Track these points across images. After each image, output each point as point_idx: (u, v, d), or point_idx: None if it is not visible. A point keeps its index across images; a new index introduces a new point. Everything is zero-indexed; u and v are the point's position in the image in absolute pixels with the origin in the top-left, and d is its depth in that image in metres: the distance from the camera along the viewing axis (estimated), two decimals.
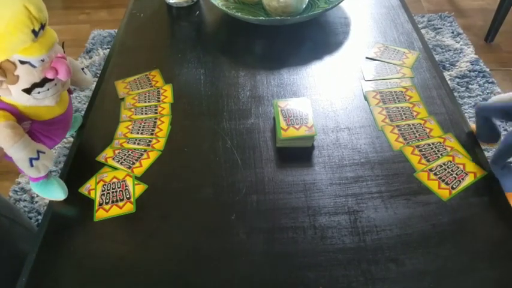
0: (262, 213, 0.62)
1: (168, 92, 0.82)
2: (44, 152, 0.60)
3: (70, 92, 0.71)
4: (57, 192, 0.65)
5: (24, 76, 0.55)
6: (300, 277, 0.56)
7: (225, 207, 0.64)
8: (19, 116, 0.59)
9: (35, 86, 0.56)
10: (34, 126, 0.62)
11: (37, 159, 0.59)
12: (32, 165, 0.58)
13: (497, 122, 0.68)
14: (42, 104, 0.60)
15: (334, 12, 1.00)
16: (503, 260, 0.56)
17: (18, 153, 0.57)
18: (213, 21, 1.02)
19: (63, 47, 0.62)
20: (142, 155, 0.71)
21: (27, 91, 0.56)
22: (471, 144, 0.70)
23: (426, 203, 0.62)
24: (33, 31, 0.53)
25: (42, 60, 0.56)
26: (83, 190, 0.66)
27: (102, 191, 0.66)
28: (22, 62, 0.55)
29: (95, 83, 0.87)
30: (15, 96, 0.57)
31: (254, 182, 0.66)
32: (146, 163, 0.70)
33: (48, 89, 0.58)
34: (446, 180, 0.65)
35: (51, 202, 0.66)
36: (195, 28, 1.00)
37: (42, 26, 0.55)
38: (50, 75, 0.57)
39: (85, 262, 0.58)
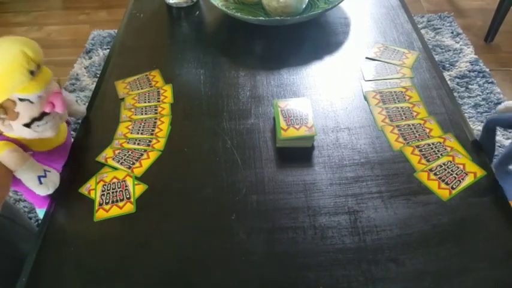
0: (262, 214, 0.62)
1: (168, 92, 0.82)
2: (49, 171, 0.64)
3: (68, 123, 0.75)
4: None
5: (24, 112, 0.60)
6: (300, 277, 0.56)
7: (225, 207, 0.64)
8: (22, 147, 0.64)
9: (34, 120, 0.61)
10: (35, 156, 0.66)
11: (45, 176, 0.63)
12: (40, 182, 0.62)
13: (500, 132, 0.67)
14: (43, 136, 0.64)
15: (334, 12, 1.00)
16: (503, 260, 0.56)
17: (27, 173, 0.62)
18: (212, 21, 1.02)
19: (59, 84, 0.66)
20: (142, 155, 0.71)
21: (27, 125, 0.61)
22: (471, 144, 0.70)
23: (426, 203, 0.62)
24: (30, 72, 0.58)
25: (40, 96, 0.61)
26: (83, 190, 0.66)
27: (102, 191, 0.66)
28: (21, 100, 0.59)
29: (95, 83, 0.87)
30: (17, 131, 0.62)
31: (254, 182, 0.66)
32: (146, 163, 0.70)
33: (46, 122, 0.63)
34: (446, 180, 0.65)
35: (51, 202, 0.66)
36: (195, 28, 1.00)
37: (38, 66, 0.60)
38: (47, 110, 0.62)
39: (85, 262, 0.58)
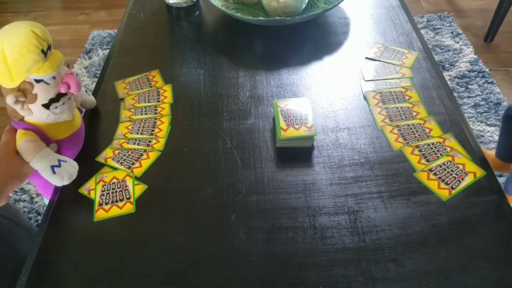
0: (262, 213, 0.62)
1: (167, 92, 0.82)
2: (65, 161, 0.64)
3: (80, 110, 0.76)
4: None
5: (41, 93, 0.61)
6: (300, 277, 0.56)
7: (225, 207, 0.64)
8: (41, 135, 0.64)
9: (52, 101, 0.62)
10: (47, 141, 0.66)
11: (59, 166, 0.62)
12: (54, 172, 0.62)
13: None
14: (61, 118, 0.66)
15: (333, 12, 1.00)
16: (503, 260, 0.56)
17: (40, 163, 0.61)
18: (212, 21, 1.02)
19: (68, 67, 0.67)
20: (142, 155, 0.71)
21: (46, 106, 0.62)
22: (471, 144, 0.70)
23: (426, 203, 0.62)
24: (42, 51, 0.59)
25: (54, 78, 0.62)
26: (83, 190, 0.66)
27: (102, 191, 0.66)
28: (37, 81, 0.60)
29: (94, 83, 0.87)
30: (36, 113, 0.62)
31: (254, 182, 0.66)
32: (146, 163, 0.70)
33: (63, 103, 0.64)
34: (446, 180, 0.65)
35: (51, 202, 0.66)
36: (194, 28, 1.01)
37: (49, 47, 0.60)
38: (63, 90, 0.63)
39: (85, 262, 0.58)
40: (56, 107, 0.63)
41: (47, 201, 0.73)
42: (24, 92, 0.60)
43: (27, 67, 0.58)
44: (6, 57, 0.56)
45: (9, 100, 0.59)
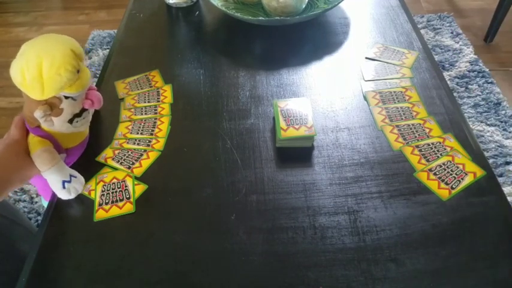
0: (262, 213, 0.62)
1: (167, 92, 0.82)
2: (75, 177, 0.65)
3: None
4: None
5: (68, 108, 0.62)
6: (300, 277, 0.56)
7: (225, 207, 0.64)
8: (55, 143, 0.65)
9: (75, 116, 0.64)
10: (59, 150, 0.66)
11: (69, 182, 0.64)
12: (64, 187, 0.63)
13: None
14: (79, 130, 0.67)
15: (333, 12, 1.00)
16: (503, 260, 0.56)
17: (53, 176, 0.62)
18: (212, 21, 1.02)
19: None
20: (142, 155, 0.71)
21: (70, 121, 0.64)
22: (471, 144, 0.70)
23: (426, 203, 0.62)
24: (78, 71, 0.61)
25: (81, 94, 0.64)
26: (84, 191, 0.66)
27: (102, 191, 0.66)
28: (66, 97, 0.62)
29: (94, 84, 0.87)
30: (57, 126, 0.64)
31: (254, 182, 0.66)
32: (146, 163, 0.70)
33: (84, 118, 0.66)
34: (446, 180, 0.65)
35: (51, 202, 0.66)
36: (194, 28, 1.01)
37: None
38: (87, 106, 0.65)
39: (85, 262, 0.58)
40: (77, 121, 0.65)
41: (45, 203, 0.74)
42: (51, 106, 0.61)
43: (61, 85, 0.59)
44: (42, 73, 0.57)
45: (38, 114, 0.60)
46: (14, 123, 0.64)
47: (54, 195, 0.66)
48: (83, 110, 0.65)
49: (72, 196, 0.64)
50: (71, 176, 0.64)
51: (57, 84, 0.58)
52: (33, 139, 0.63)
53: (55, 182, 0.63)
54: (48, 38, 0.61)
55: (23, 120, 0.64)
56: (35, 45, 0.60)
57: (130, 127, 0.76)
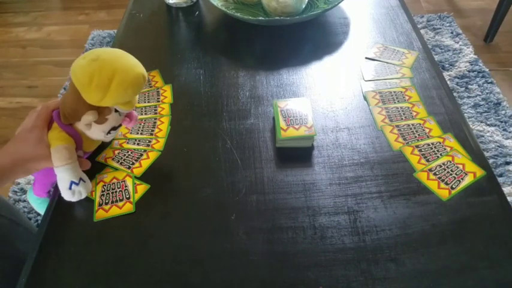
0: (262, 213, 0.62)
1: (167, 92, 0.82)
2: (85, 181, 0.65)
3: None
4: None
5: (112, 121, 0.64)
6: (300, 277, 0.56)
7: (225, 207, 0.64)
8: (78, 144, 0.66)
9: (113, 129, 0.66)
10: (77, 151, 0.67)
11: (77, 184, 0.63)
12: (70, 188, 0.63)
13: None
14: (105, 140, 0.69)
15: (333, 12, 1.00)
16: (503, 260, 0.56)
17: (64, 174, 0.62)
18: (212, 21, 1.02)
19: None
20: (142, 155, 0.71)
21: (107, 132, 0.65)
22: (470, 144, 0.70)
23: (426, 203, 0.62)
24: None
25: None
26: None
27: (102, 191, 0.66)
28: (116, 111, 0.64)
29: None
30: (94, 132, 0.65)
31: (254, 182, 0.66)
32: (146, 163, 0.70)
33: (116, 131, 0.67)
34: (445, 180, 0.65)
35: (51, 202, 0.66)
36: (194, 28, 1.01)
37: None
38: (125, 123, 0.68)
39: (85, 262, 0.59)
40: (110, 133, 0.66)
41: (32, 198, 0.74)
42: (99, 113, 0.62)
43: (120, 100, 0.61)
44: (111, 84, 0.58)
45: (88, 118, 0.61)
46: (37, 113, 0.64)
47: (54, 195, 0.66)
48: (119, 125, 0.67)
49: (74, 199, 0.64)
50: (80, 179, 0.64)
51: (119, 98, 0.60)
52: (58, 133, 0.63)
53: (64, 180, 0.63)
54: (124, 55, 0.62)
55: (50, 112, 0.64)
56: (111, 56, 0.61)
57: (130, 127, 0.75)
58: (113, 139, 0.73)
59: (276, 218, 0.62)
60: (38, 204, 0.75)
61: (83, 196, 0.65)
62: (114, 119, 0.64)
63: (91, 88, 0.58)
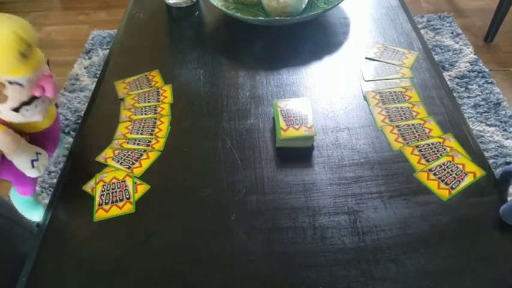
0: (262, 213, 0.62)
1: (167, 92, 0.82)
2: (40, 153, 0.63)
3: (57, 106, 0.72)
4: (36, 214, 0.70)
5: (13, 95, 0.57)
6: (300, 277, 0.56)
7: (225, 207, 0.64)
8: (14, 129, 0.61)
9: (23, 104, 0.58)
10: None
11: (37, 160, 0.61)
12: (33, 166, 0.61)
13: None
14: (31, 120, 0.61)
15: (333, 12, 1.00)
16: (503, 260, 0.56)
17: (21, 157, 0.60)
18: (212, 21, 1.02)
19: (48, 65, 0.63)
20: (142, 155, 0.71)
21: (16, 110, 0.58)
22: (470, 144, 0.70)
23: (426, 203, 0.62)
24: (22, 54, 0.55)
25: (30, 79, 0.58)
26: (87, 188, 0.66)
27: (102, 191, 0.66)
28: (11, 82, 0.56)
29: (94, 84, 0.87)
30: (4, 114, 0.59)
31: (254, 182, 0.66)
32: (146, 163, 0.70)
33: (36, 106, 0.60)
34: (445, 180, 0.65)
35: (51, 202, 0.66)
36: (194, 28, 1.00)
37: (30, 47, 0.57)
38: (37, 93, 0.59)
39: (85, 262, 0.59)
40: (26, 110, 0.59)
41: (15, 197, 0.72)
42: None
43: (1, 68, 0.55)
44: None
45: None
46: None
47: (54, 193, 0.66)
48: (34, 98, 0.59)
49: (41, 173, 0.62)
50: (37, 153, 0.62)
51: None
52: None
53: (23, 162, 0.60)
54: None
55: None
56: None
57: (130, 127, 0.75)
58: (113, 139, 0.73)
59: (276, 218, 0.62)
60: (22, 204, 0.71)
61: (46, 167, 0.63)
62: (17, 93, 0.57)
63: None
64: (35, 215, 0.72)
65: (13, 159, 0.60)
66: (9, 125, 0.61)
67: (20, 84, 0.57)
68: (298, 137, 0.69)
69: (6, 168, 0.62)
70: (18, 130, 0.62)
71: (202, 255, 0.58)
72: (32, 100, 0.59)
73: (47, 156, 0.64)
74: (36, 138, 0.66)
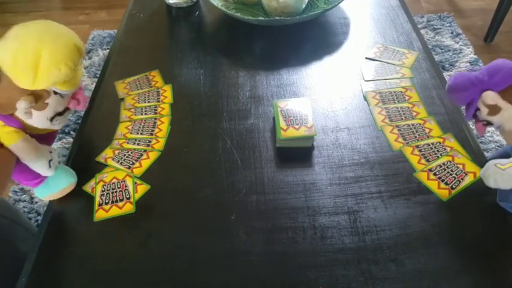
0: (262, 213, 0.62)
1: (167, 92, 0.82)
2: (51, 152, 0.63)
3: None
4: (66, 178, 0.65)
5: (53, 105, 0.58)
6: (300, 277, 0.56)
7: (225, 207, 0.64)
8: (24, 132, 0.62)
9: (57, 114, 0.60)
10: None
11: (51, 159, 0.62)
12: (50, 166, 0.62)
13: None
14: (53, 129, 0.63)
15: (333, 12, 1.00)
16: (503, 260, 0.56)
17: (40, 161, 0.60)
18: (212, 21, 1.02)
19: None
20: (142, 155, 0.71)
21: (51, 119, 0.59)
22: (470, 144, 0.70)
23: (426, 203, 0.62)
24: (75, 67, 0.56)
25: (71, 92, 0.60)
26: (87, 188, 0.66)
27: (102, 191, 0.66)
28: (56, 93, 0.58)
29: (94, 83, 0.87)
30: (35, 120, 0.59)
31: (254, 182, 0.66)
32: (146, 163, 0.70)
33: (65, 117, 0.62)
34: (445, 180, 0.65)
35: (51, 202, 0.66)
36: (194, 28, 1.00)
37: None
38: (72, 106, 0.61)
39: (85, 262, 0.58)
40: (57, 120, 0.60)
41: (39, 193, 0.67)
42: (36, 98, 0.56)
43: (56, 80, 0.55)
44: (39, 64, 0.52)
45: (22, 105, 0.55)
46: None
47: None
48: (66, 109, 0.61)
49: (54, 170, 0.62)
50: (50, 152, 0.62)
51: (53, 78, 0.54)
52: (8, 131, 0.58)
53: (42, 165, 0.60)
54: (51, 26, 0.55)
55: None
56: (35, 29, 0.54)
57: (130, 127, 0.75)
58: (113, 139, 0.73)
59: (276, 218, 0.62)
60: (48, 189, 0.65)
61: (57, 162, 0.64)
62: (57, 103, 0.58)
63: (18, 69, 0.52)
64: (69, 179, 0.66)
65: (32, 165, 0.60)
66: (24, 129, 0.60)
67: (62, 96, 0.58)
68: (298, 137, 0.69)
69: (18, 171, 0.62)
70: (26, 131, 0.62)
71: (202, 255, 0.58)
72: (65, 111, 0.61)
73: (56, 151, 0.63)
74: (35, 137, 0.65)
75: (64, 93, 0.58)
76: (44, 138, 0.66)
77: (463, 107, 0.64)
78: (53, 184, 0.65)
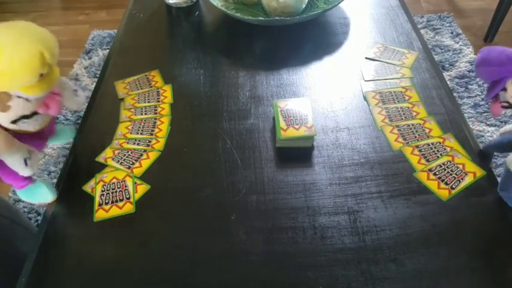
0: (262, 213, 0.62)
1: (167, 92, 0.82)
2: (32, 151, 0.61)
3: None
4: (46, 194, 0.65)
5: (16, 108, 0.56)
6: (300, 277, 0.56)
7: (225, 207, 0.64)
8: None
9: (23, 117, 0.57)
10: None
11: (29, 158, 0.60)
12: (26, 165, 0.59)
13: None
14: (24, 129, 0.60)
15: (333, 12, 1.00)
16: (503, 260, 0.56)
17: (14, 156, 0.58)
18: (212, 21, 1.02)
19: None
20: (142, 155, 0.71)
21: (14, 122, 0.57)
22: (470, 144, 0.70)
23: (426, 203, 0.62)
24: (41, 74, 0.54)
25: (39, 97, 0.57)
26: (87, 188, 0.66)
27: (102, 191, 0.66)
28: (19, 96, 0.55)
29: (94, 84, 0.87)
30: (0, 120, 0.57)
31: (254, 182, 0.66)
32: (146, 163, 0.70)
33: (36, 120, 0.59)
34: (445, 180, 0.65)
35: (51, 202, 0.66)
36: (194, 28, 1.01)
37: (50, 67, 0.56)
38: (41, 111, 0.58)
39: (85, 262, 0.59)
40: (24, 122, 0.58)
41: (19, 194, 0.68)
42: None
43: (16, 85, 0.53)
44: None
45: None
46: None
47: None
48: (35, 113, 0.58)
49: (34, 171, 0.60)
50: (29, 151, 0.60)
51: (13, 82, 0.52)
52: None
53: (17, 162, 0.58)
54: (22, 29, 0.53)
55: None
56: (2, 32, 0.53)
57: (130, 127, 0.76)
58: (113, 139, 0.73)
59: (276, 218, 0.62)
60: (30, 195, 0.66)
61: (38, 164, 0.61)
62: (21, 107, 0.55)
63: None
64: (47, 195, 0.65)
65: (6, 159, 0.58)
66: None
67: (27, 100, 0.56)
68: (298, 137, 0.69)
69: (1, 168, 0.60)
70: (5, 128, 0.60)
71: (202, 255, 0.58)
72: (33, 114, 0.58)
73: (37, 154, 0.62)
74: (23, 137, 0.63)
75: (29, 98, 0.56)
76: (32, 137, 0.64)
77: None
78: (33, 196, 0.65)
